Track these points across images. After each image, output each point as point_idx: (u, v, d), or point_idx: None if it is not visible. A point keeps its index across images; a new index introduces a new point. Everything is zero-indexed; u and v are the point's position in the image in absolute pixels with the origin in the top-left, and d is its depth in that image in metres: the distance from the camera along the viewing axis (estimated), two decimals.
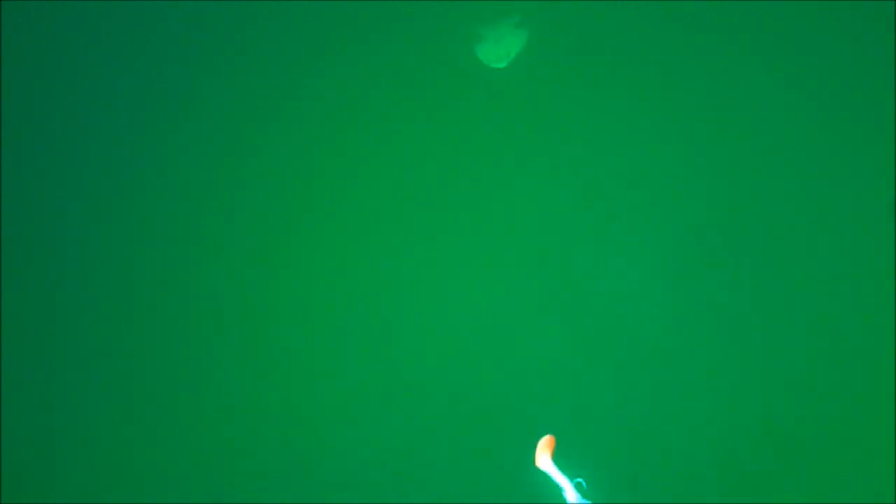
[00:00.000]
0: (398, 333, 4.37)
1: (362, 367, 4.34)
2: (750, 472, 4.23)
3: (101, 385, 4.32)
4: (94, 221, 4.48)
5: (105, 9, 4.64)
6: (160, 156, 4.54)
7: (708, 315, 4.37)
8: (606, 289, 4.41)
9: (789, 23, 4.62)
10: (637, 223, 4.45)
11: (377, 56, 4.63)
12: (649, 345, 4.34)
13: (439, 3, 4.70)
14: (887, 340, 4.30)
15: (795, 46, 4.60)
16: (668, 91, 4.58)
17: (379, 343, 4.36)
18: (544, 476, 3.37)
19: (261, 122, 4.57)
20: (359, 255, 4.45)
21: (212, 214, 4.49)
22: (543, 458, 3.43)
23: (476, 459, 4.22)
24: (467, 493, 4.16)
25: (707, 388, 4.30)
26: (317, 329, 4.39)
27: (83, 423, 4.29)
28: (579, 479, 3.40)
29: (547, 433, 3.36)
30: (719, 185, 4.49)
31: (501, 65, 4.96)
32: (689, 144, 4.53)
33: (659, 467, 4.24)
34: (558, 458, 3.41)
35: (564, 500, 3.42)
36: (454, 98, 4.62)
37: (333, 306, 4.41)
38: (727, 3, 4.63)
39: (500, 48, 5.01)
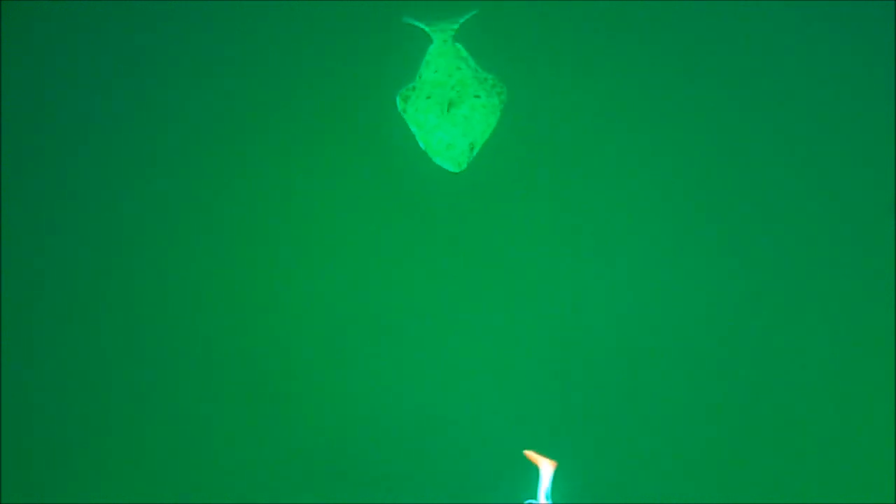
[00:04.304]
0: (388, 337, 4.37)
1: (348, 371, 4.35)
2: (748, 473, 4.23)
3: (102, 384, 4.32)
4: (94, 221, 4.48)
5: (105, 9, 4.64)
6: (159, 155, 4.54)
7: (704, 316, 4.37)
8: (601, 291, 4.41)
9: (787, 21, 4.61)
10: (630, 225, 4.45)
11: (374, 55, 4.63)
12: (643, 345, 4.35)
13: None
14: (887, 340, 4.30)
15: (794, 45, 4.60)
16: (664, 90, 4.57)
17: (367, 346, 4.36)
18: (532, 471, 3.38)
19: (260, 125, 4.57)
20: (348, 259, 4.45)
21: (217, 213, 4.49)
22: (546, 464, 3.40)
23: (468, 464, 4.22)
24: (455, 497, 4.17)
25: (704, 389, 4.30)
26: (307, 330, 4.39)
27: (84, 423, 4.29)
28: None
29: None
30: (716, 185, 4.49)
31: (461, 168, 3.69)
32: (684, 143, 4.52)
33: (656, 468, 4.24)
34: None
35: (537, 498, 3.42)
36: None
37: (322, 310, 4.41)
38: (724, 2, 4.63)
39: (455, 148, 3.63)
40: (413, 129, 3.90)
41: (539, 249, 4.44)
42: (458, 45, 3.84)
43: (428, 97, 3.85)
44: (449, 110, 3.87)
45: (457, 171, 3.85)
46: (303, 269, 4.44)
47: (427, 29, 3.81)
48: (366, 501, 4.20)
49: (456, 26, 3.78)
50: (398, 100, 3.94)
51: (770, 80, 4.57)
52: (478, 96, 3.87)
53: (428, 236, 4.40)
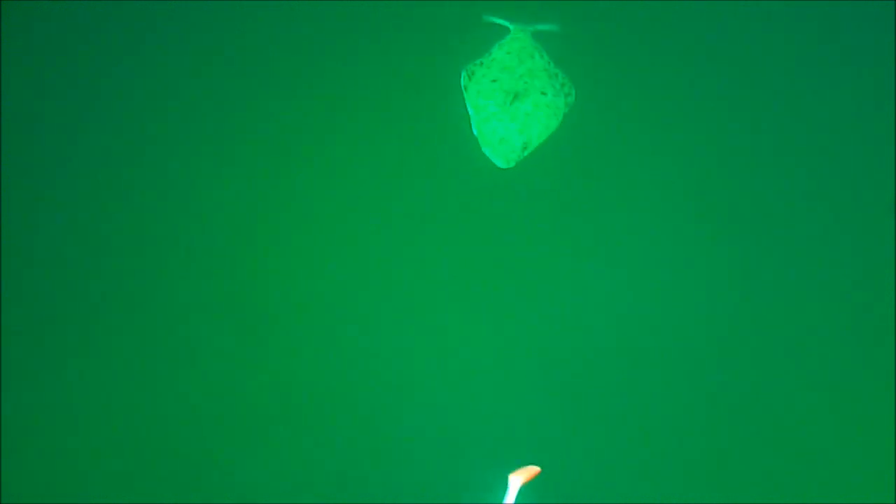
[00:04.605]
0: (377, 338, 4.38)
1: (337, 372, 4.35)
2: (748, 473, 4.23)
3: (101, 384, 4.32)
4: (95, 219, 4.48)
5: (105, 9, 4.64)
6: (159, 155, 4.54)
7: (704, 317, 4.37)
8: (605, 291, 4.41)
9: (787, 20, 4.61)
10: (632, 225, 4.45)
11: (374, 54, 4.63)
12: (645, 346, 4.35)
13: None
14: (887, 340, 4.30)
15: (794, 46, 4.60)
16: (664, 89, 4.57)
17: (358, 347, 4.37)
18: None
19: (263, 125, 4.57)
20: (342, 258, 4.45)
21: (214, 213, 4.49)
22: (516, 480, 3.36)
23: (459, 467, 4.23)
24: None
25: (705, 389, 4.30)
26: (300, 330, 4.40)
27: (83, 423, 4.29)
28: None
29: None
30: (716, 185, 4.49)
31: (509, 165, 3.60)
32: (683, 143, 4.52)
33: (656, 468, 4.24)
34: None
35: None
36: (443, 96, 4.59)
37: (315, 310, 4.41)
38: (724, 2, 4.63)
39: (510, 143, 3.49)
40: (470, 111, 3.78)
41: (553, 255, 4.44)
42: (537, 45, 3.72)
43: (494, 80, 3.73)
44: (512, 103, 3.74)
45: (504, 167, 3.74)
46: (305, 265, 4.44)
47: (508, 24, 3.68)
48: (365, 501, 4.20)
49: (535, 28, 3.66)
50: (463, 75, 3.82)
51: (770, 79, 4.57)
52: (544, 93, 3.75)
53: (441, 231, 4.41)
